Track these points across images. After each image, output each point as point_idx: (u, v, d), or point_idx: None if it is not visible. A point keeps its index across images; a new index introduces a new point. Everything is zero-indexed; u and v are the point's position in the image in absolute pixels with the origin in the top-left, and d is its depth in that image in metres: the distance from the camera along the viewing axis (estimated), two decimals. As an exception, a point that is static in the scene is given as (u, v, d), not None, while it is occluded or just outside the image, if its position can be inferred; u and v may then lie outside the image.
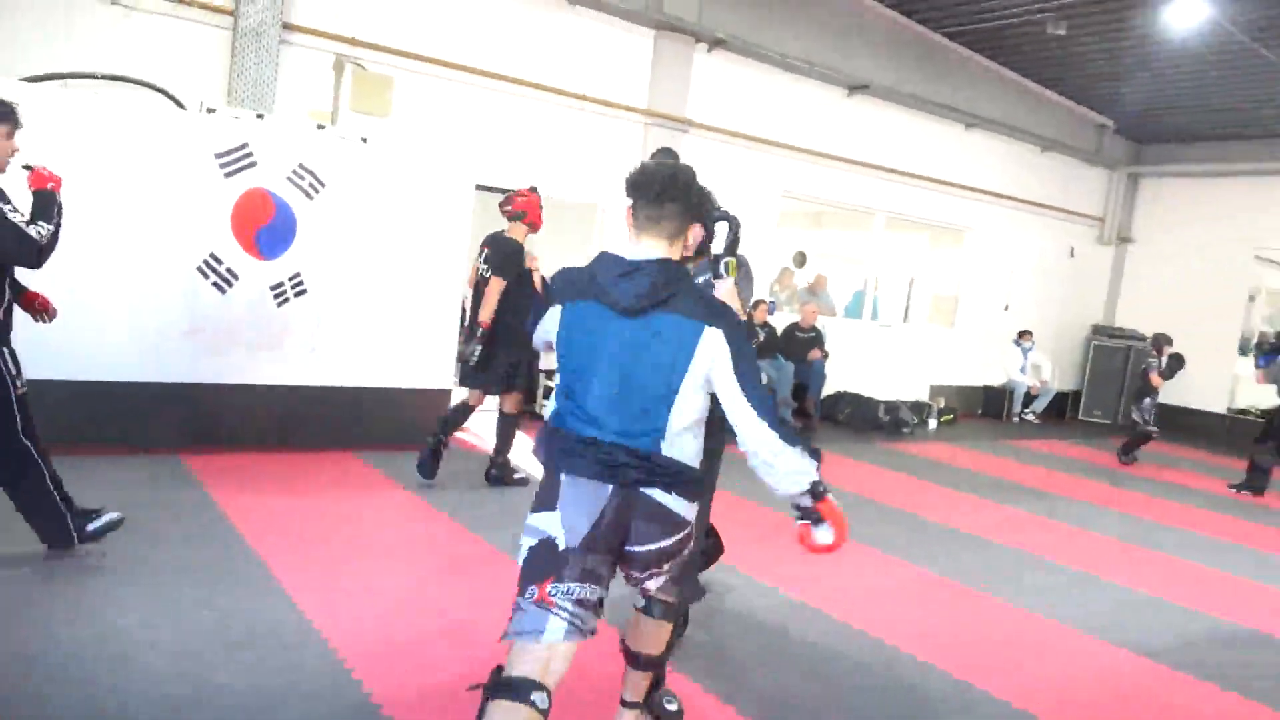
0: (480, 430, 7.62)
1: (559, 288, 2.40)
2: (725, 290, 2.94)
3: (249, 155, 5.87)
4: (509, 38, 8.17)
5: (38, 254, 3.40)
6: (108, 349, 5.51)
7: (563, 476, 2.33)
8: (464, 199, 6.71)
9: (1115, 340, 13.45)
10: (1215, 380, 12.64)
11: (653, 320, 2.28)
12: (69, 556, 3.82)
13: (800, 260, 11.65)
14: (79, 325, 5.04)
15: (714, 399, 2.36)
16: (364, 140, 6.36)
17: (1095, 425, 13.04)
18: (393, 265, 6.42)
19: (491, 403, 5.95)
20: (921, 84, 10.77)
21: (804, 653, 3.78)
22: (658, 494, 2.31)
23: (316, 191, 6.10)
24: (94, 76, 6.33)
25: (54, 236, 3.45)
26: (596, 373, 2.30)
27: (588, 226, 9.40)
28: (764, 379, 2.36)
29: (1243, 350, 13.21)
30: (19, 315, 3.69)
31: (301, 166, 6.04)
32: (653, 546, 2.36)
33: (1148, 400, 9.57)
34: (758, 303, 9.05)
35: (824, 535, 2.37)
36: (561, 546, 2.28)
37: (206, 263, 5.80)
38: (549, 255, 7.07)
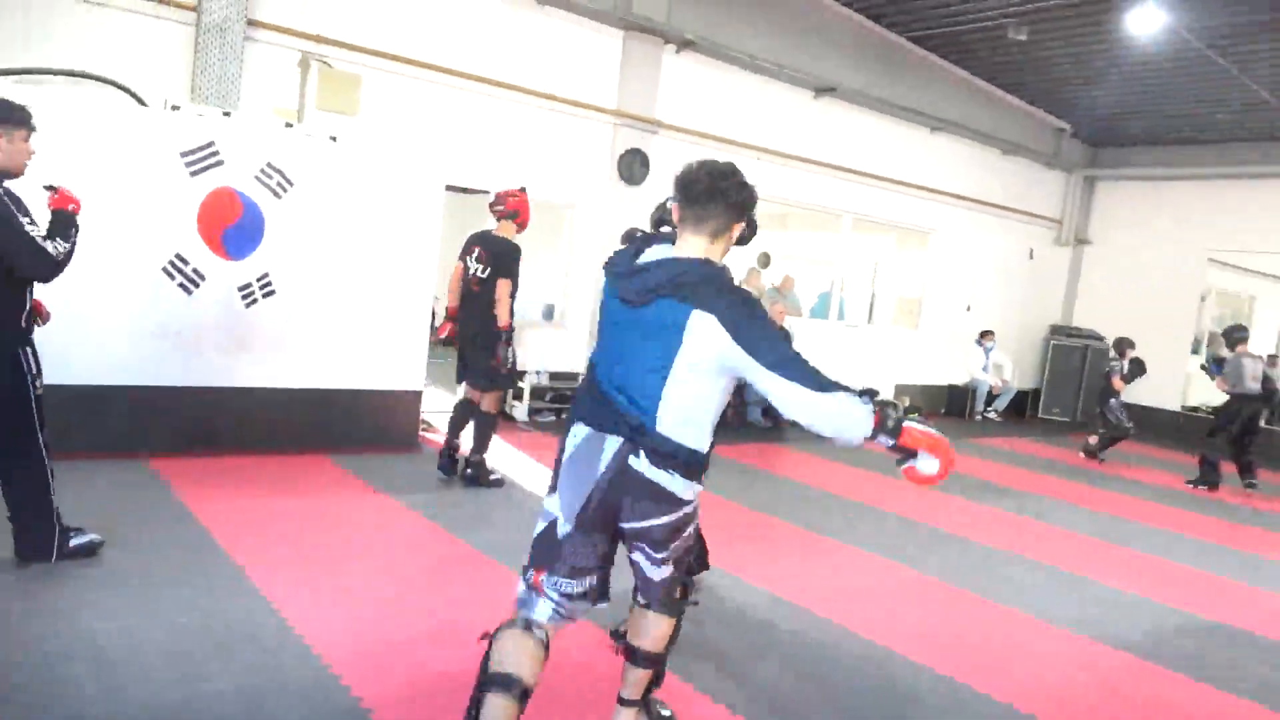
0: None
1: (608, 265, 2.55)
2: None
3: (215, 154, 5.76)
4: (478, 37, 8.11)
5: (52, 269, 3.48)
6: (72, 352, 5.35)
7: (571, 431, 2.51)
8: (434, 199, 6.65)
9: (1073, 340, 13.71)
10: (1168, 378, 12.92)
11: (651, 307, 2.38)
12: (40, 565, 3.71)
13: (764, 261, 11.72)
14: (41, 328, 4.89)
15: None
16: (333, 139, 6.27)
17: (1054, 423, 13.28)
18: (363, 266, 6.34)
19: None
20: (888, 87, 10.89)
21: (794, 652, 3.79)
22: (648, 469, 2.38)
23: (285, 191, 6.01)
24: (52, 73, 6.17)
25: (69, 255, 3.53)
26: (610, 349, 2.51)
27: (558, 227, 9.38)
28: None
29: (1194, 349, 13.56)
30: None
31: (269, 165, 5.94)
32: (646, 524, 2.44)
33: (1114, 400, 9.75)
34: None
35: (926, 466, 2.34)
36: (560, 532, 2.47)
37: (172, 263, 5.68)
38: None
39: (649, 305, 2.37)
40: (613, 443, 2.40)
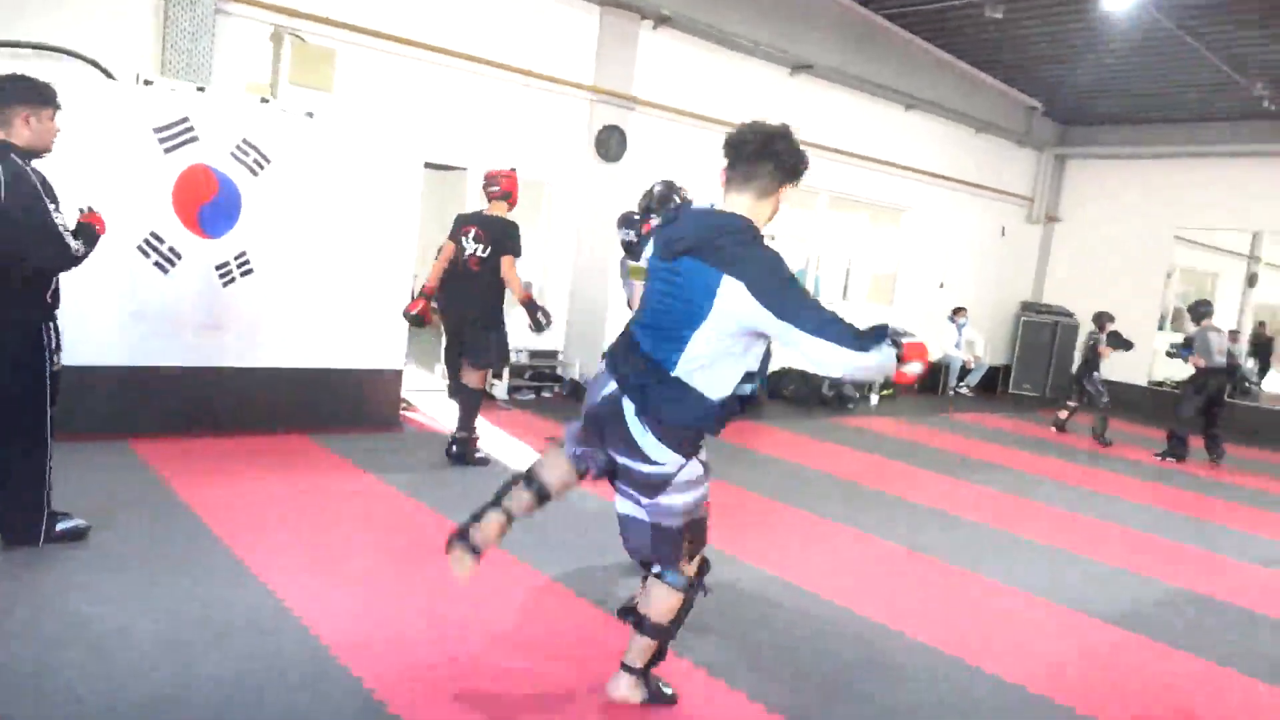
0: (433, 410, 7.53)
1: (657, 229, 2.73)
2: None
3: (190, 130, 5.65)
4: (453, 12, 8.00)
5: (68, 261, 3.53)
6: (44, 332, 5.26)
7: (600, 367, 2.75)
8: (413, 176, 6.57)
9: (1043, 316, 13.90)
10: (1136, 354, 13.11)
11: (682, 268, 2.49)
12: (27, 548, 3.65)
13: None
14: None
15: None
16: (310, 115, 6.17)
17: (1025, 398, 13.48)
18: (342, 244, 6.26)
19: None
20: (863, 65, 10.89)
21: (789, 627, 3.84)
22: (631, 416, 2.53)
23: (261, 168, 5.91)
24: (16, 45, 6.00)
25: (85, 256, 3.61)
26: (646, 303, 2.66)
27: (536, 204, 9.31)
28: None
29: (1160, 326, 13.79)
30: None
31: (245, 142, 5.83)
32: (622, 461, 2.63)
33: (1097, 374, 9.87)
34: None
35: (913, 369, 2.47)
36: (581, 418, 2.79)
37: (147, 241, 5.57)
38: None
39: (680, 263, 2.48)
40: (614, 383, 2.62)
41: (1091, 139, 13.97)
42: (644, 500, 2.62)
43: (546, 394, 8.95)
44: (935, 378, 12.92)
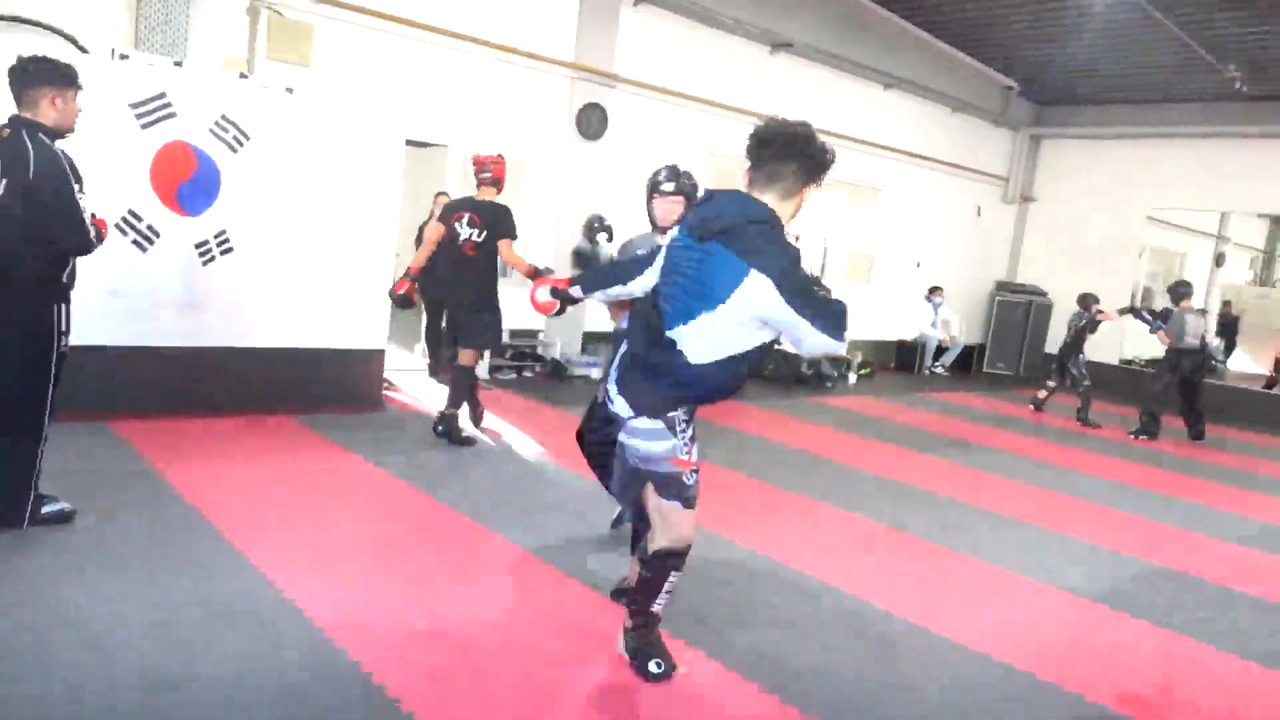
0: (416, 390, 7.50)
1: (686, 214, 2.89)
2: None
3: (167, 105, 5.54)
4: (434, -14, 7.89)
5: (86, 244, 3.57)
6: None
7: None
8: (395, 154, 6.49)
9: (1017, 296, 14.04)
10: (1108, 333, 13.31)
11: (712, 254, 2.55)
12: (12, 533, 3.60)
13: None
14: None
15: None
16: (289, 91, 6.07)
17: (999, 377, 13.64)
18: (323, 222, 6.18)
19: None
20: (843, 43, 10.88)
21: (777, 606, 3.87)
22: (611, 374, 2.82)
23: (241, 145, 5.81)
24: (-14, 16, 5.85)
25: (97, 245, 3.65)
26: (667, 276, 2.71)
27: (516, 183, 9.23)
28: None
29: (1120, 309, 13.95)
30: None
31: (224, 118, 5.73)
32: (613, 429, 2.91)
33: (1081, 356, 9.97)
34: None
35: None
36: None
37: (125, 219, 5.47)
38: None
39: (709, 245, 2.54)
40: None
41: (1067, 119, 14.07)
42: (638, 447, 2.82)
43: (528, 373, 8.94)
44: (911, 356, 13.03)
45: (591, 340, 9.50)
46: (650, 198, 3.98)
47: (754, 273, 2.46)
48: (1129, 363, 13.56)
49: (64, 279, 3.63)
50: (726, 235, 2.51)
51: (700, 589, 3.89)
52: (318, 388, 6.31)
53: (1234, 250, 16.43)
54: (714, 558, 4.29)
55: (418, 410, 6.84)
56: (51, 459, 3.97)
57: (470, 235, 5.77)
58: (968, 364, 13.90)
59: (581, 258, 7.02)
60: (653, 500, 2.87)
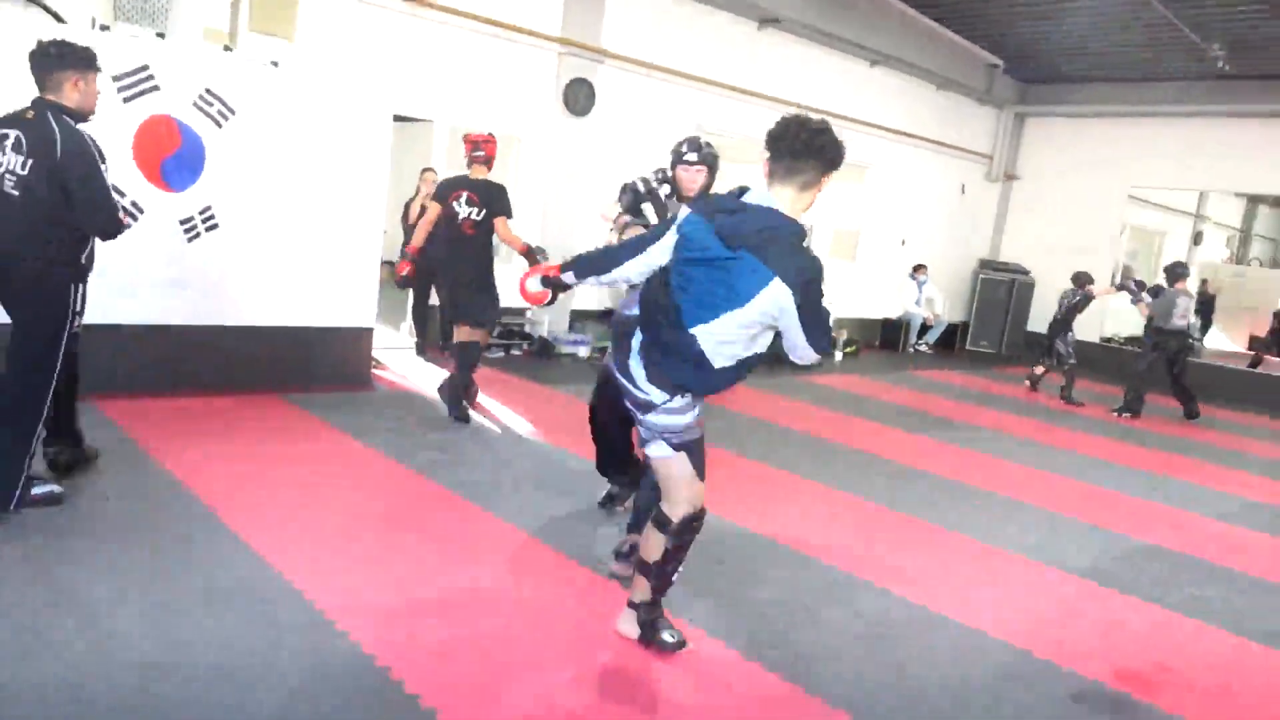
0: (404, 368, 7.44)
1: (707, 203, 2.85)
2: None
3: (150, 78, 5.42)
4: (419, -43, 7.75)
5: (115, 228, 3.64)
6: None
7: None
8: (382, 129, 6.39)
9: (1000, 274, 14.11)
10: (1089, 311, 13.40)
11: (737, 257, 2.63)
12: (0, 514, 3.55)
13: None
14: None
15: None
16: (275, 64, 5.95)
17: (982, 355, 13.72)
18: (310, 198, 6.09)
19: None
20: (830, 19, 10.81)
21: (777, 584, 3.89)
22: (635, 364, 2.85)
23: (226, 119, 5.70)
24: (-41, -15, 5.70)
25: (124, 229, 3.75)
26: (685, 274, 2.76)
27: (504, 159, 9.14)
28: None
29: (1112, 283, 14.06)
30: None
31: (209, 92, 5.61)
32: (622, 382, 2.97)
33: (1070, 334, 10.02)
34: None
35: None
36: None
37: (108, 195, 5.37)
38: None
39: (736, 251, 2.62)
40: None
41: (1051, 97, 14.09)
42: (672, 423, 2.92)
43: (516, 351, 8.90)
44: (896, 334, 13.08)
45: (579, 318, 9.46)
46: (673, 167, 4.14)
47: (777, 280, 2.59)
48: (1109, 340, 13.69)
49: (83, 260, 3.65)
50: (757, 245, 2.61)
51: (698, 568, 3.89)
52: (307, 366, 6.25)
53: (1212, 229, 16.59)
54: (709, 537, 4.29)
55: (407, 389, 6.80)
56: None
57: (470, 214, 5.84)
58: (951, 342, 13.96)
59: (638, 196, 6.97)
60: (677, 467, 2.99)
